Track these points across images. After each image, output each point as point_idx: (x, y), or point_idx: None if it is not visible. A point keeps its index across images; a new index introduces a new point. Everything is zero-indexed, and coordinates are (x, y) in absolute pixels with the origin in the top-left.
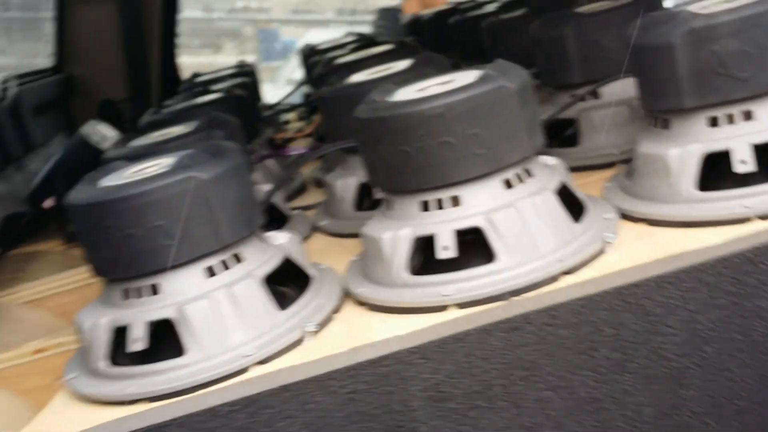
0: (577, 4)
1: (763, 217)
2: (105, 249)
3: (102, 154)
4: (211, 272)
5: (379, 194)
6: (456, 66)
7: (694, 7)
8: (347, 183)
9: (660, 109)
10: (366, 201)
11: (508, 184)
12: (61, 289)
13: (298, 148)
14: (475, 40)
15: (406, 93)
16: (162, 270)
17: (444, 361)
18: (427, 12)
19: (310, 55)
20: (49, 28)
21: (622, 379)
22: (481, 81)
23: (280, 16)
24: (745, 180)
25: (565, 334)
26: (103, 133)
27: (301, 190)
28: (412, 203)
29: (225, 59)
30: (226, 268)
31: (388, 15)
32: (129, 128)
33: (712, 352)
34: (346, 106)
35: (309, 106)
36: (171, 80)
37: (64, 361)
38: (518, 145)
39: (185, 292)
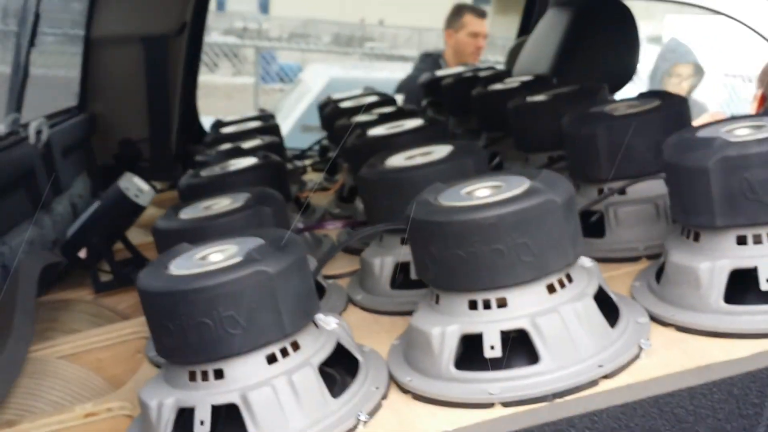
0: (601, 98)
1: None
2: (175, 334)
3: (138, 207)
4: (273, 359)
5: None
6: (477, 133)
7: (725, 133)
8: (384, 261)
9: (692, 224)
10: (400, 277)
11: (552, 289)
12: (96, 345)
13: (334, 222)
14: (497, 113)
15: (456, 195)
16: (228, 356)
17: None
18: (445, 75)
19: (331, 110)
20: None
21: None
22: (531, 193)
23: (279, 39)
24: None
25: None
26: (139, 186)
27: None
28: (461, 301)
29: (221, 79)
30: (286, 355)
31: (429, 60)
32: (149, 169)
33: None
34: (389, 191)
35: (326, 161)
36: (191, 123)
37: (112, 427)
38: (563, 253)
39: (248, 378)
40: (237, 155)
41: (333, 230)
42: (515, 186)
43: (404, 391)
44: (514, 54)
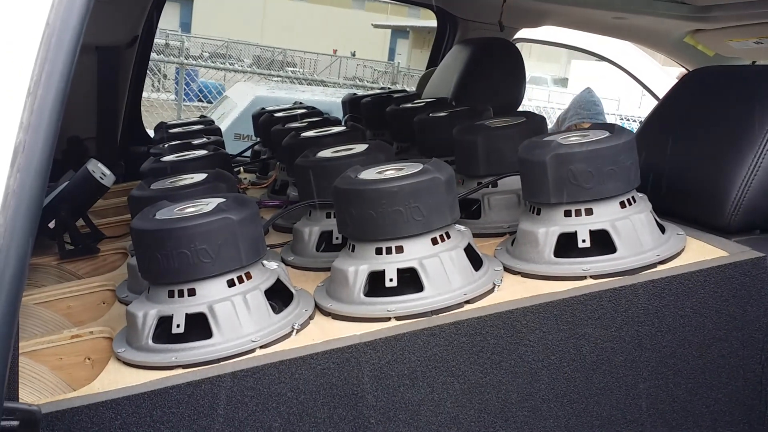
0: (485, 117)
1: (594, 277)
2: (161, 261)
3: (102, 188)
4: (232, 283)
5: (338, 239)
6: (390, 143)
7: (561, 139)
8: (312, 230)
9: (534, 202)
10: (324, 245)
11: (435, 241)
12: (67, 295)
13: (273, 200)
14: (406, 127)
15: (370, 173)
16: (200, 279)
17: (386, 352)
18: (364, 95)
19: (265, 118)
20: None
21: (498, 373)
22: (423, 172)
23: (201, 58)
24: (585, 252)
25: (464, 340)
26: (103, 170)
27: None
28: (370, 248)
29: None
30: (242, 281)
31: None
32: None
33: (555, 359)
34: (320, 175)
35: (261, 162)
36: (135, 126)
37: (94, 346)
38: (443, 216)
39: (214, 296)
40: (187, 149)
41: (272, 209)
42: (412, 168)
43: (326, 314)
44: (423, 81)
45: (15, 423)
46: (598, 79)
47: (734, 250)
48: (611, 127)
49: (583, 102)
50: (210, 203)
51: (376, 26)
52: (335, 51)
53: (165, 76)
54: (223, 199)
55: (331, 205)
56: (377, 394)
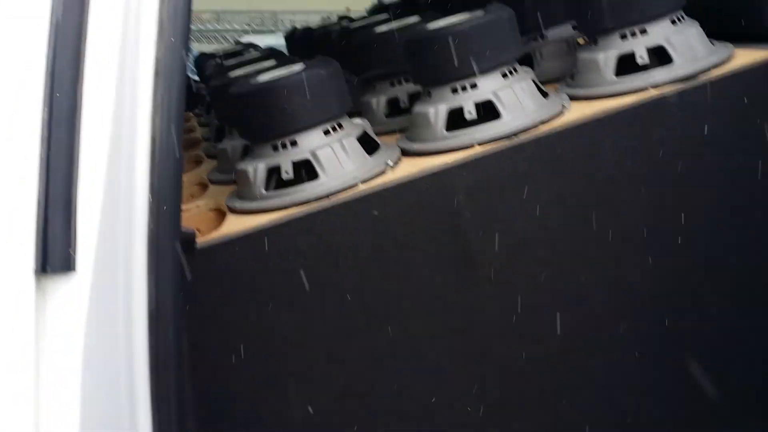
0: None
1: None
2: (264, 118)
3: None
4: (328, 132)
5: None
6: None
7: None
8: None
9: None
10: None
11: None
12: None
13: None
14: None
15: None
16: (301, 130)
17: (475, 171)
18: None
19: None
20: None
21: (574, 183)
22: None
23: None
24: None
25: (544, 153)
26: None
27: None
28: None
29: None
30: (335, 130)
31: None
32: None
33: (629, 166)
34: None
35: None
36: None
37: (201, 217)
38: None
39: (315, 144)
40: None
41: None
42: (299, 67)
43: (413, 154)
44: None
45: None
46: None
47: None
48: None
49: None
50: (297, 65)
51: None
52: (348, 9)
53: None
54: (306, 63)
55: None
56: (472, 210)
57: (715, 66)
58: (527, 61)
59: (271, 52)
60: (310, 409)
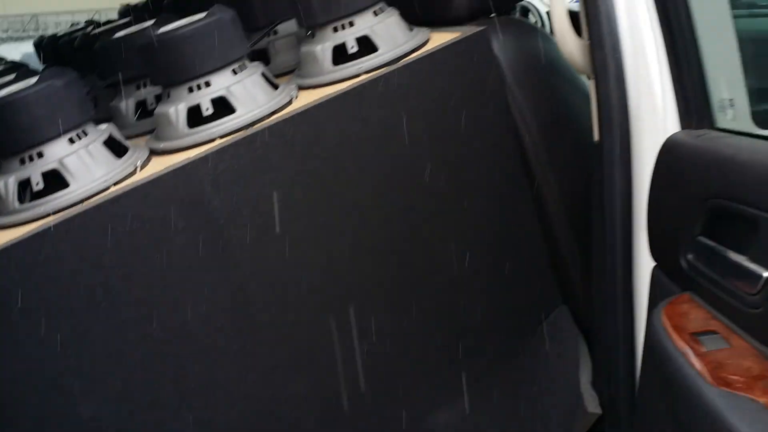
0: None
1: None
2: (5, 134)
3: None
4: (73, 140)
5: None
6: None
7: None
8: (128, 104)
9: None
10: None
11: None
12: None
13: None
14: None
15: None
16: (44, 141)
17: (216, 162)
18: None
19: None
20: None
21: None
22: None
23: None
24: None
25: (274, 141)
26: None
27: None
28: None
29: None
30: (80, 138)
31: None
32: None
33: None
34: None
35: None
36: None
37: None
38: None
39: (61, 153)
40: None
41: None
42: (33, 80)
43: (160, 153)
44: None
45: None
46: None
47: (466, 31)
48: None
49: None
50: (32, 79)
51: None
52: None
53: None
54: (41, 75)
55: None
56: (220, 198)
57: (414, 50)
58: (263, 55)
59: (14, 66)
60: (95, 407)
